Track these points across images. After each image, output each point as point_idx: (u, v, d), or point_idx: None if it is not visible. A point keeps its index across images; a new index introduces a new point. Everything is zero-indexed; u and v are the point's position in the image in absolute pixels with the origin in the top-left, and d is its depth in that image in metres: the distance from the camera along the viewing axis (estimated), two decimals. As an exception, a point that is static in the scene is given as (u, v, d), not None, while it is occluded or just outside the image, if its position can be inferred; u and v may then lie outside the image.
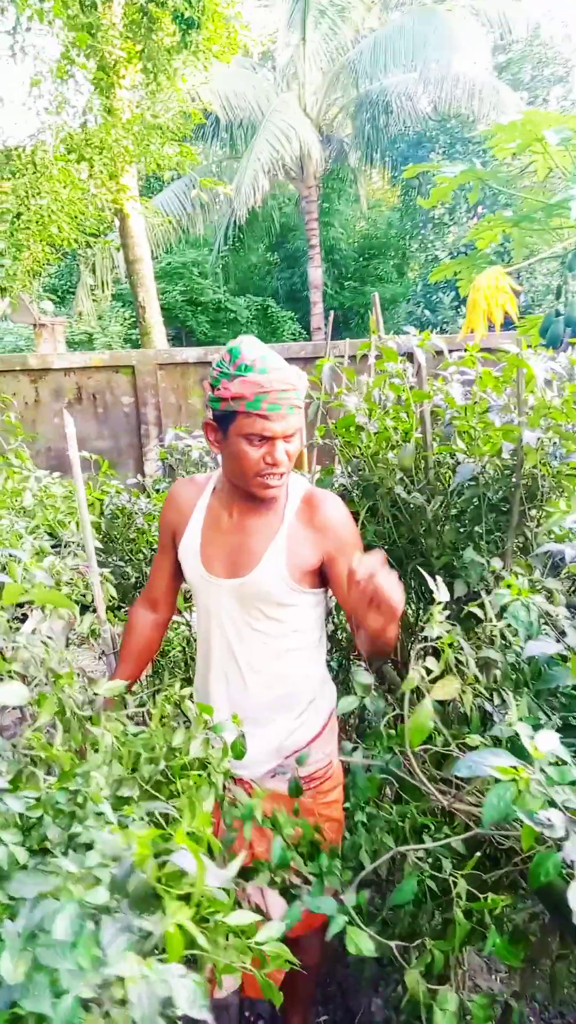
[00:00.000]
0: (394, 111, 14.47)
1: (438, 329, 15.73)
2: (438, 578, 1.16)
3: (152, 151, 6.41)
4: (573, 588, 1.62)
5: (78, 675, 1.61)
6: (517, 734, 0.92)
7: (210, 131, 14.62)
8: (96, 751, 1.25)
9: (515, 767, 0.77)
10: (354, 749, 1.45)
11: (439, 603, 1.11)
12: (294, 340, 17.35)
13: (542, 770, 0.78)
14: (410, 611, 1.98)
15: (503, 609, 1.33)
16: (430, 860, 1.31)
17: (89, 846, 1.04)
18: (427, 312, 16.09)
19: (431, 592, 1.89)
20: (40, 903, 0.74)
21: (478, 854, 1.04)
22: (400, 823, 1.33)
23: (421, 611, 1.72)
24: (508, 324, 1.82)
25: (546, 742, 0.79)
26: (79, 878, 0.81)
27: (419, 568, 1.60)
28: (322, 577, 1.63)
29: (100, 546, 2.72)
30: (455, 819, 1.34)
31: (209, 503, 1.69)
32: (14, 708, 1.60)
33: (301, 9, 13.94)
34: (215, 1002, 2.31)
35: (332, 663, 2.40)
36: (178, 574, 1.80)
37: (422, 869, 1.27)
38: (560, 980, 1.51)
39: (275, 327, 17.97)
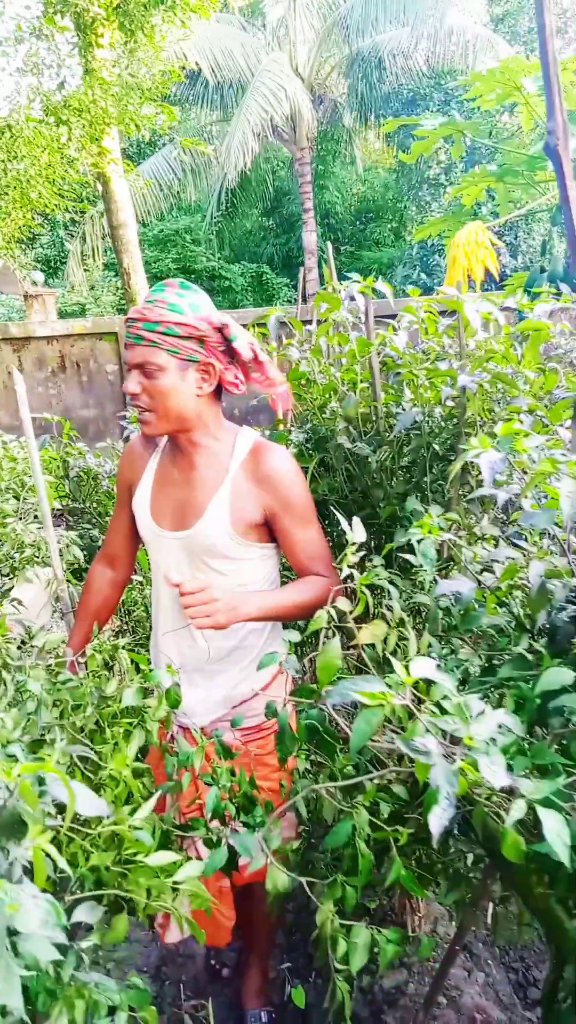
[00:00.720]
0: (387, 68, 14.12)
1: (436, 292, 15.54)
2: (355, 519, 1.15)
3: (131, 112, 6.28)
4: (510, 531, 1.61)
5: (17, 627, 1.62)
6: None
7: (200, 93, 14.31)
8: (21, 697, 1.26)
9: (383, 692, 0.77)
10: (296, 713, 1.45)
11: (352, 544, 1.10)
12: (290, 305, 17.16)
13: (420, 699, 0.78)
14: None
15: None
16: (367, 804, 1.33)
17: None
18: (423, 275, 15.87)
19: (379, 541, 1.89)
20: None
21: (385, 783, 1.05)
22: (332, 768, 1.34)
23: (368, 561, 1.72)
24: (501, 284, 1.80)
25: (419, 668, 0.78)
26: None
27: (335, 510, 1.59)
28: (270, 531, 1.64)
29: (62, 508, 2.72)
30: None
31: (160, 458, 1.72)
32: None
33: (290, -38, 13.56)
34: (182, 951, 2.36)
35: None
36: (135, 530, 1.81)
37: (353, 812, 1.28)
38: (501, 922, 1.53)
39: (270, 294, 17.79)
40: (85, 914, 0.97)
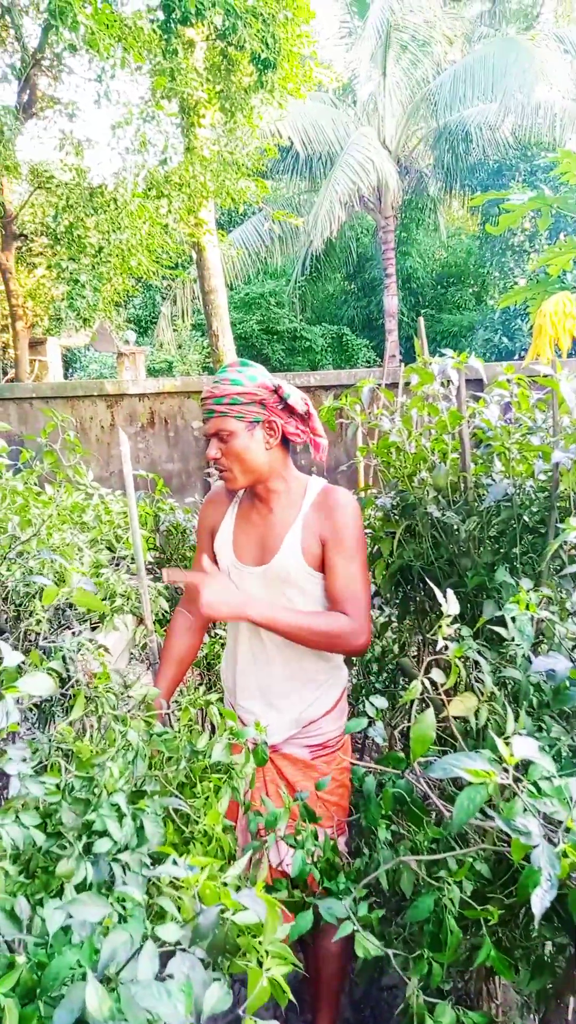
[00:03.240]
0: (474, 140, 14.49)
1: (516, 356, 15.50)
2: (449, 592, 1.18)
3: (227, 186, 6.66)
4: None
5: (116, 677, 1.69)
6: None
7: (290, 166, 15.00)
8: (122, 747, 1.31)
9: (488, 771, 0.79)
10: (366, 774, 1.46)
11: (447, 615, 1.13)
12: (368, 367, 17.41)
13: (518, 778, 0.79)
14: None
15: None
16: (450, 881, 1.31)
17: (103, 833, 1.10)
18: (505, 339, 15.87)
19: (464, 610, 1.89)
20: (112, 936, 0.75)
21: (470, 860, 1.05)
22: (413, 839, 1.33)
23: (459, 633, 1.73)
24: None
25: (522, 748, 0.80)
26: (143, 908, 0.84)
27: (428, 582, 1.61)
28: None
29: (152, 561, 2.83)
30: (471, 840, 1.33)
31: (241, 502, 1.92)
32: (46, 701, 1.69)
33: (383, 45, 14.20)
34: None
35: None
36: None
37: (439, 887, 1.27)
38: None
39: (350, 355, 18.10)
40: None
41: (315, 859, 1.42)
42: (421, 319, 2.20)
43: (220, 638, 2.88)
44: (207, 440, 1.84)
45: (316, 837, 1.44)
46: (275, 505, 1.83)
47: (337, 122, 14.59)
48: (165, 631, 2.07)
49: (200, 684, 2.79)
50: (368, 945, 1.13)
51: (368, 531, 2.28)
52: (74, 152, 6.79)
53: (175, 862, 0.82)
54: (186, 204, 6.50)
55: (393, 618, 2.49)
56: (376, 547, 2.20)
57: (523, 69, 12.58)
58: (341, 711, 1.92)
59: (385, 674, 2.77)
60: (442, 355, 1.83)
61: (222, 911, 1.08)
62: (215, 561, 1.95)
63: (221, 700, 1.70)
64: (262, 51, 6.33)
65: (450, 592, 1.16)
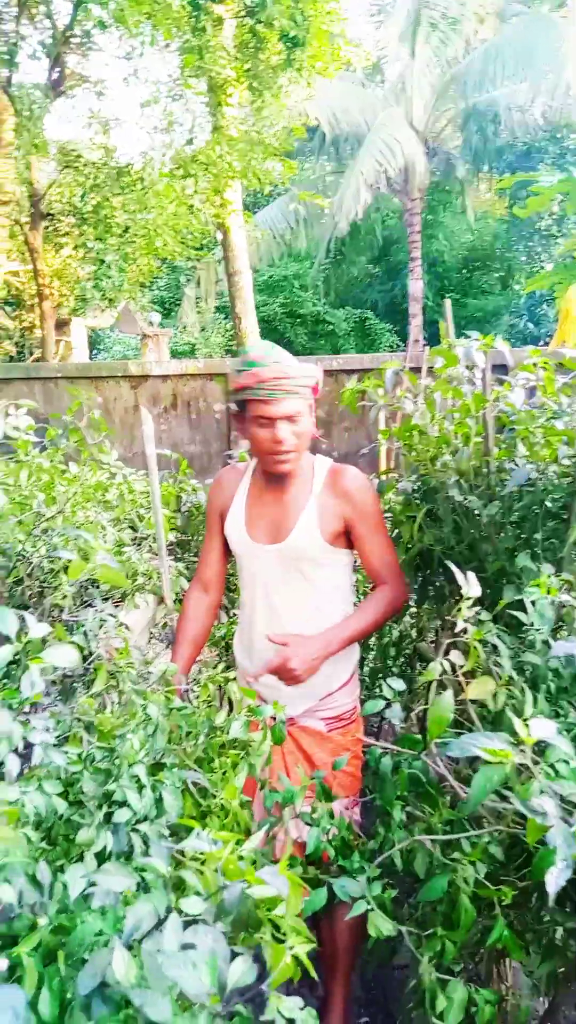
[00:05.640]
0: (503, 122, 14.23)
1: (542, 343, 15.30)
2: (470, 574, 1.18)
3: (254, 166, 6.61)
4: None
5: (136, 653, 1.71)
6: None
7: (316, 147, 14.84)
8: (142, 721, 1.33)
9: (505, 751, 0.79)
10: (383, 754, 1.47)
11: (467, 598, 1.13)
12: (391, 351, 17.28)
13: (535, 759, 0.79)
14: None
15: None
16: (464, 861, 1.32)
17: (123, 804, 1.12)
18: (531, 325, 15.68)
19: (485, 594, 1.89)
20: (137, 906, 0.78)
21: (485, 841, 1.05)
22: (428, 820, 1.34)
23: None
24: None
25: (539, 729, 0.80)
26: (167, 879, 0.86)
27: (448, 567, 1.61)
28: (348, 538, 1.89)
29: (173, 540, 2.84)
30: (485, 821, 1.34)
31: (251, 483, 1.96)
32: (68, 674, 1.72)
33: (412, 23, 13.95)
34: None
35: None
36: (225, 554, 2.05)
37: (453, 868, 1.28)
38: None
39: (373, 339, 17.96)
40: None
41: (330, 837, 1.43)
42: (448, 301, 2.18)
43: (236, 618, 2.89)
44: (238, 423, 1.86)
45: (332, 815, 1.45)
46: (289, 484, 1.87)
47: (365, 102, 14.40)
48: (180, 613, 2.09)
49: (219, 663, 2.81)
50: (381, 924, 1.14)
51: (388, 515, 2.27)
52: (102, 131, 6.77)
53: (198, 836, 0.84)
54: (212, 184, 6.47)
55: (411, 602, 2.49)
56: (396, 531, 2.20)
57: (554, 48, 12.30)
58: (355, 685, 2.00)
59: (402, 658, 2.77)
60: (468, 338, 1.81)
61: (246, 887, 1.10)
62: (225, 542, 2.00)
63: (227, 681, 1.72)
64: (291, 28, 6.24)
65: (471, 574, 1.16)
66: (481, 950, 1.33)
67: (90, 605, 2.45)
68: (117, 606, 2.77)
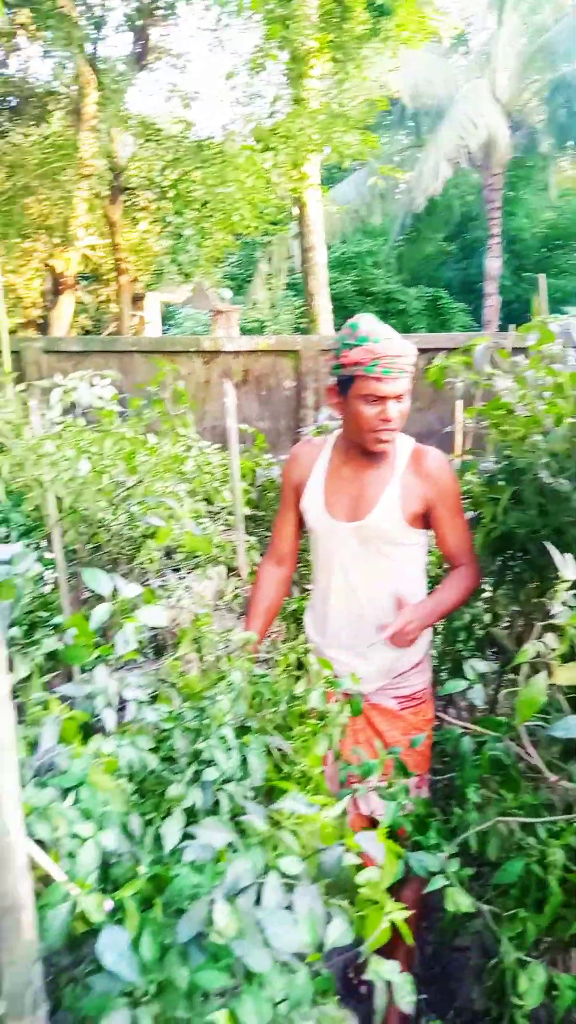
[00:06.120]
0: (592, 94, 13.63)
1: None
2: (568, 556, 1.15)
3: (335, 140, 6.52)
4: None
5: (215, 622, 1.74)
6: None
7: (395, 120, 14.53)
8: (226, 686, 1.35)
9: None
10: (462, 734, 1.46)
11: (564, 580, 1.10)
12: (463, 331, 16.91)
13: None
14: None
15: None
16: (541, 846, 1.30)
17: (210, 763, 1.15)
18: (613, 307, 15.05)
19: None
20: (237, 862, 0.80)
21: (572, 827, 1.03)
22: (509, 802, 1.32)
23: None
24: None
25: None
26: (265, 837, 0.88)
27: (529, 551, 1.57)
28: (426, 519, 1.87)
29: (248, 514, 2.87)
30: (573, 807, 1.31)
31: (330, 459, 1.93)
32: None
33: (501, -10, 13.46)
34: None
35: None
36: (299, 529, 2.04)
37: (530, 852, 1.26)
38: None
39: (445, 318, 17.59)
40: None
41: (406, 812, 1.43)
42: (542, 277, 2.12)
43: (308, 594, 2.91)
44: (334, 397, 1.82)
45: (408, 791, 1.45)
46: (372, 461, 1.85)
47: (447, 75, 14.00)
48: (252, 585, 2.11)
49: (294, 636, 2.84)
50: (460, 899, 1.14)
51: (466, 497, 2.23)
52: (182, 104, 6.78)
53: (294, 797, 0.85)
54: (291, 157, 6.41)
55: (487, 586, 2.45)
56: (477, 512, 2.16)
57: None
58: (427, 665, 2.00)
59: (472, 643, 2.74)
60: (565, 312, 1.75)
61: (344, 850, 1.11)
62: (300, 517, 2.00)
63: (306, 652, 1.73)
64: (378, -4, 6.10)
65: (569, 556, 1.13)
66: (557, 937, 1.32)
67: (166, 573, 2.51)
68: (181, 580, 2.82)
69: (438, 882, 1.20)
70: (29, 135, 9.22)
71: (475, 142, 12.90)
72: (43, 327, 11.77)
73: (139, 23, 6.76)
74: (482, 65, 14.93)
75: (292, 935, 0.70)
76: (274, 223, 7.32)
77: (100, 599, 1.16)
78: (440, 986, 2.27)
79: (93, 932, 0.88)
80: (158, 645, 1.80)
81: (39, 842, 0.85)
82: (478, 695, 1.39)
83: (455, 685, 1.44)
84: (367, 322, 1.73)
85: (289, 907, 0.75)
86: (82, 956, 0.95)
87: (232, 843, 0.91)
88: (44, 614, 2.45)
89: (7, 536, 2.92)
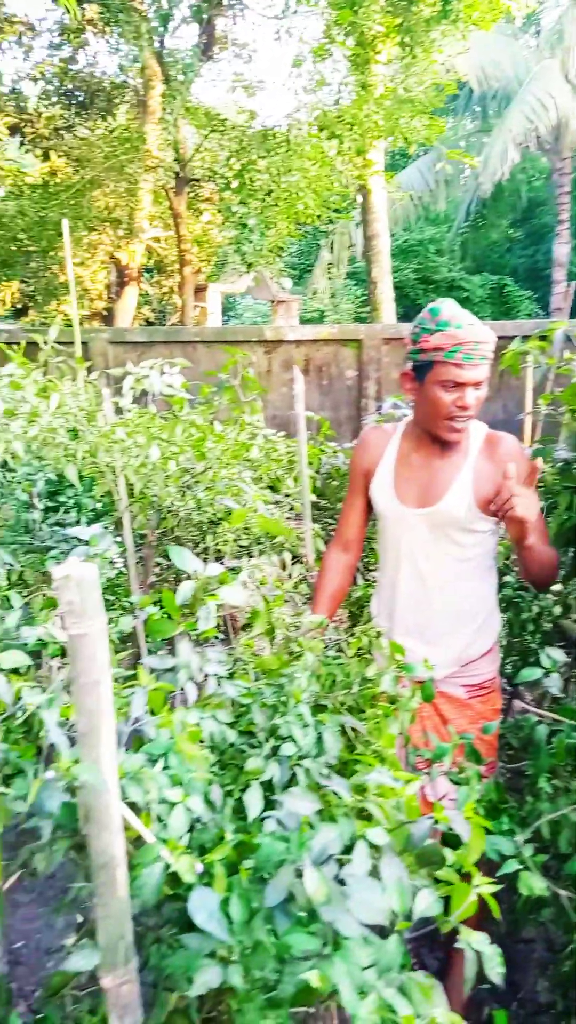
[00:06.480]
0: None
1: None
2: None
3: (400, 125, 6.44)
4: None
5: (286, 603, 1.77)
6: None
7: (461, 104, 14.23)
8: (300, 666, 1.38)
9: None
10: (538, 722, 1.44)
11: None
12: (528, 319, 16.50)
13: None
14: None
15: None
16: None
17: (287, 738, 1.17)
18: None
19: None
20: (324, 831, 0.82)
21: None
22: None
23: None
24: None
25: None
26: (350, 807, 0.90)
27: None
28: None
29: (313, 502, 2.88)
30: None
31: (400, 445, 1.91)
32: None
33: (575, -35, 13.01)
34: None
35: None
36: (366, 515, 2.03)
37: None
38: None
39: (510, 307, 17.21)
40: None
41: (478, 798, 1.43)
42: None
43: (373, 581, 2.91)
44: (409, 383, 1.78)
45: (480, 777, 1.45)
46: (444, 448, 1.82)
47: (517, 56, 13.62)
48: (319, 570, 2.12)
49: (354, 624, 2.85)
50: (535, 883, 1.14)
51: (539, 485, 2.20)
52: (247, 94, 6.79)
53: (379, 771, 0.86)
54: (356, 144, 6.36)
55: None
56: (552, 501, 2.12)
57: None
58: (496, 654, 1.98)
59: (540, 635, 2.70)
60: None
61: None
62: (368, 504, 1.99)
63: (378, 636, 1.73)
64: (448, -23, 5.98)
65: None
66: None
67: (220, 559, 2.55)
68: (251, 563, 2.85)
69: (511, 865, 1.20)
70: (96, 129, 9.40)
71: (545, 125, 12.52)
72: (107, 319, 12.03)
73: (207, 15, 6.80)
74: (553, 44, 14.45)
75: (380, 903, 0.71)
76: (337, 211, 7.29)
77: (165, 582, 1.20)
78: (504, 976, 2.26)
79: (176, 896, 0.92)
80: (224, 629, 1.83)
81: (131, 805, 0.89)
82: (555, 683, 1.37)
83: (530, 673, 1.43)
84: (448, 307, 1.70)
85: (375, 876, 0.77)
86: (166, 918, 0.98)
87: (320, 812, 0.93)
88: (110, 597, 2.53)
89: (77, 520, 3.01)
